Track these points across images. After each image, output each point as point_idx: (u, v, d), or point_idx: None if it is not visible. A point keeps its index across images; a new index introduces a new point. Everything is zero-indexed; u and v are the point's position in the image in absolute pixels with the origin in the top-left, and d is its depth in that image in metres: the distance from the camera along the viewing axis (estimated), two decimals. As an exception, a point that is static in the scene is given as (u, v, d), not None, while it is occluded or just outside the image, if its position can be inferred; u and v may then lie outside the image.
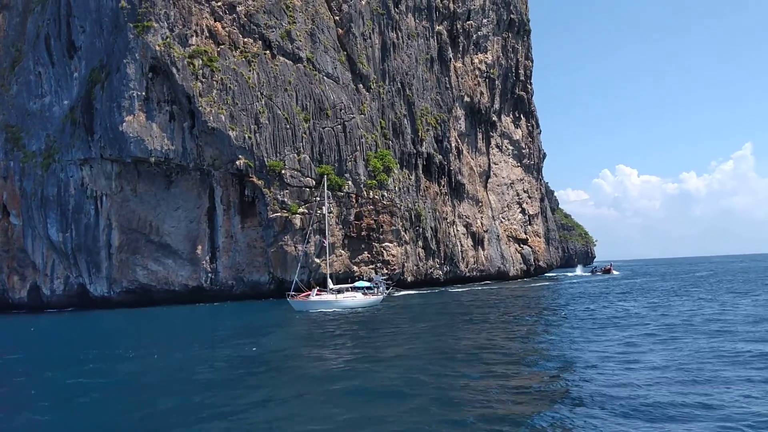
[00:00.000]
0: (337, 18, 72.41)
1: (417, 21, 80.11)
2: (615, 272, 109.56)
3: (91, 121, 60.87)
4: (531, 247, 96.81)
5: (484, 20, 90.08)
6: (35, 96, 67.86)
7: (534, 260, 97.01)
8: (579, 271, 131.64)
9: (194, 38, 61.13)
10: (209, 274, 61.29)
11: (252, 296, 61.63)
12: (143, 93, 58.95)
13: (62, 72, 65.92)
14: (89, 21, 63.80)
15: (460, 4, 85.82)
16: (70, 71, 65.40)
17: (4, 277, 68.91)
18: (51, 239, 63.70)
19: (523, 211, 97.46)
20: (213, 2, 63.02)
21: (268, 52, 64.90)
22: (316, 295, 46.68)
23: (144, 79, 59.09)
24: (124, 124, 58.08)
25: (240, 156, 60.48)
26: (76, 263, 62.85)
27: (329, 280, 49.67)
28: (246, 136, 60.74)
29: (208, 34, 62.38)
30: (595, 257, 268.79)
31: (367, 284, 53.09)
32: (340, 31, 72.14)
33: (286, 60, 65.83)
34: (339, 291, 48.62)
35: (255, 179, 60.95)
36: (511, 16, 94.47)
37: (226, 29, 63.42)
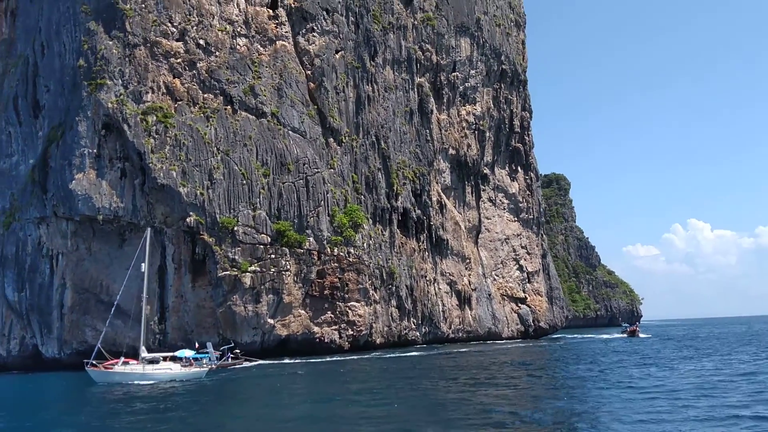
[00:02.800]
0: (308, 72, 71.35)
1: (396, 73, 78.53)
2: (642, 335, 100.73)
3: (45, 179, 60.41)
4: (530, 307, 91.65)
5: (472, 71, 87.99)
6: (5, 155, 68.14)
7: (533, 320, 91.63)
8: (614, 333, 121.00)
9: (150, 95, 60.53)
10: (157, 336, 58.89)
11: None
12: (95, 150, 58.24)
13: (29, 131, 66.13)
14: (53, 80, 64.13)
15: (444, 56, 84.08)
16: (35, 130, 65.54)
17: (-31, 337, 68.08)
18: (7, 299, 62.72)
19: (520, 268, 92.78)
20: (172, 59, 62.61)
21: (229, 107, 63.87)
22: (122, 364, 41.51)
23: (96, 136, 58.48)
24: (73, 181, 57.28)
25: (191, 213, 58.73)
26: (30, 324, 61.49)
27: (142, 348, 43.76)
28: (198, 192, 59.13)
29: (165, 91, 61.77)
30: (641, 316, 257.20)
31: (190, 353, 47.32)
32: (312, 85, 70.96)
33: (249, 115, 64.66)
34: (152, 361, 42.94)
35: (206, 237, 58.97)
36: (503, 66, 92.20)
37: (185, 85, 62.78)
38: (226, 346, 54.93)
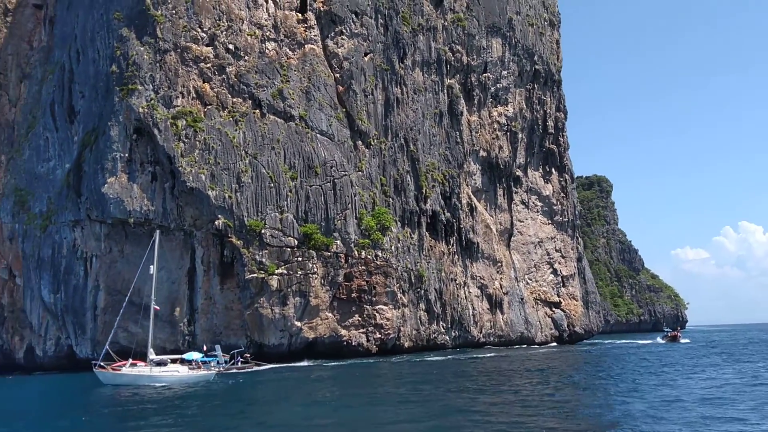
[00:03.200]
0: (337, 75, 71.41)
1: (425, 75, 78.02)
2: (684, 340, 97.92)
3: (79, 183, 61.80)
4: (564, 311, 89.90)
5: (504, 72, 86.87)
6: (43, 160, 69.97)
7: (568, 325, 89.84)
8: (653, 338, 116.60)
9: (179, 99, 61.35)
10: (186, 337, 59.53)
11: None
12: (126, 155, 59.27)
13: (64, 136, 67.76)
14: (88, 86, 65.59)
15: (474, 57, 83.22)
16: (71, 135, 67.13)
17: (9, 337, 70.06)
18: (44, 300, 64.28)
19: (554, 272, 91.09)
20: (202, 64, 63.35)
21: (257, 111, 64.32)
22: (130, 366, 41.49)
23: (128, 141, 59.51)
24: (106, 185, 58.39)
25: (219, 216, 59.27)
26: (65, 325, 62.87)
27: (150, 350, 43.80)
28: (226, 195, 59.62)
29: (195, 95, 62.54)
30: (686, 321, 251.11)
31: (199, 356, 47.21)
32: (341, 88, 70.99)
33: (277, 118, 64.99)
34: (160, 363, 42.96)
35: (234, 239, 59.40)
36: (536, 66, 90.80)
37: (215, 90, 63.46)
38: (235, 350, 55.12)
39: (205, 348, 53.65)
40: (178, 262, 61.06)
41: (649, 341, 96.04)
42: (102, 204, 58.65)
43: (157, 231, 50.62)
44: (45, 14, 78.15)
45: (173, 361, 44.32)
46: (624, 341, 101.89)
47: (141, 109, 59.37)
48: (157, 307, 46.61)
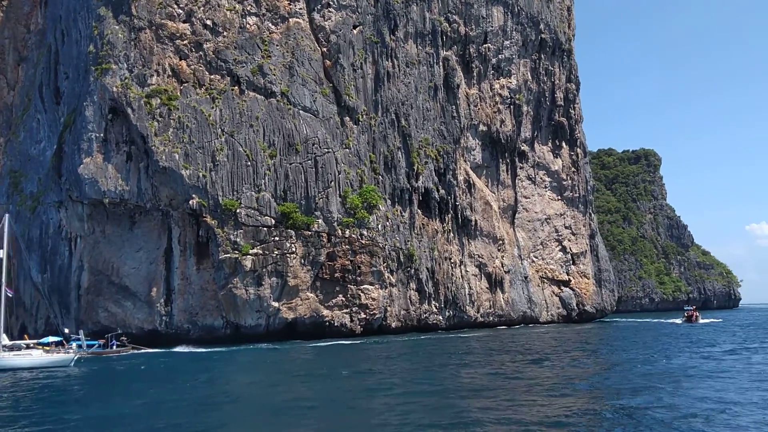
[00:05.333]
0: (324, 49, 69.46)
1: (419, 47, 75.22)
2: (706, 320, 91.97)
3: (60, 164, 62.01)
4: (574, 290, 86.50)
5: (506, 42, 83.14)
6: (35, 141, 70.63)
7: (577, 304, 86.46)
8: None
9: (154, 78, 60.54)
10: (164, 317, 59.32)
11: (209, 341, 58.69)
12: (101, 135, 58.92)
13: (52, 118, 68.11)
14: (72, 67, 65.51)
15: (473, 27, 79.77)
16: (57, 117, 67.41)
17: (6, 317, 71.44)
18: (33, 280, 65.15)
19: (563, 249, 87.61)
20: (178, 41, 62.33)
21: (236, 88, 63.03)
22: None
23: (103, 120, 59.12)
24: (81, 165, 58.27)
25: (194, 195, 58.49)
26: (51, 304, 63.59)
27: (2, 336, 42.07)
28: (200, 174, 58.76)
29: (170, 73, 61.60)
30: (740, 299, 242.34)
31: (56, 339, 46.05)
32: (328, 62, 69.05)
33: (257, 95, 63.60)
34: (12, 347, 41.51)
35: (209, 219, 58.60)
36: (542, 35, 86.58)
37: (192, 67, 62.40)
38: (110, 334, 54.31)
39: (66, 330, 53.00)
40: (156, 242, 60.74)
41: (670, 321, 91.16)
42: (79, 185, 58.61)
43: (6, 215, 48.18)
44: (39, -3, 78.40)
45: (27, 346, 43.50)
46: (641, 320, 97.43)
47: (115, 89, 58.82)
48: (11, 292, 45.13)
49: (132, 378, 34.68)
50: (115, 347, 53.73)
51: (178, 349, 54.20)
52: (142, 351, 53.30)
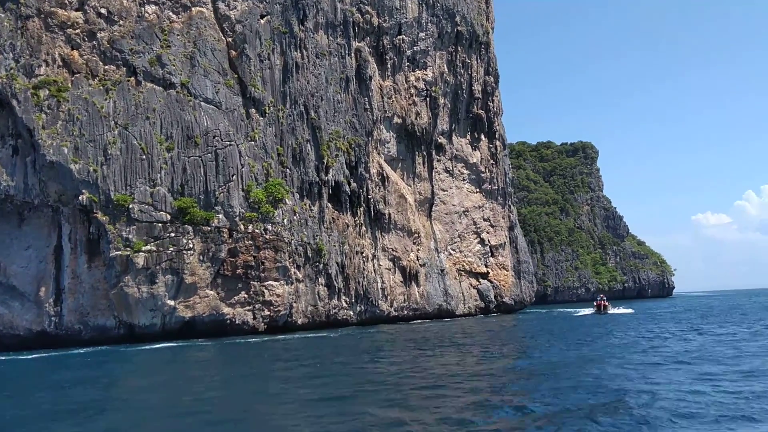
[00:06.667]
0: (229, 40, 67.65)
1: (330, 38, 74.06)
2: (617, 310, 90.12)
3: (-58, 159, 58.71)
4: (492, 282, 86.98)
5: (421, 34, 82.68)
6: None
7: (495, 296, 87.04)
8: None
9: (43, 68, 57.84)
10: (53, 318, 56.91)
11: (101, 342, 56.60)
12: (-14, 128, 56.06)
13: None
14: (-43, 56, 62.08)
15: (386, 18, 78.97)
16: (-56, 108, 63.88)
17: None
18: None
19: (482, 242, 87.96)
20: (69, 30, 59.66)
21: (132, 78, 60.79)
22: None
23: (-14, 113, 56.23)
24: (-37, 160, 55.32)
25: (84, 190, 56.16)
26: (-64, 306, 60.33)
27: None
28: (91, 168, 56.45)
29: (61, 63, 58.97)
30: (673, 287, 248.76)
31: None
32: (233, 53, 67.28)
33: (155, 86, 61.46)
34: None
35: (100, 215, 56.40)
36: (458, 28, 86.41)
37: (84, 57, 59.85)
38: None
39: None
40: (46, 239, 58.19)
41: (581, 311, 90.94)
42: (-40, 180, 55.59)
43: None
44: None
45: None
46: (559, 310, 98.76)
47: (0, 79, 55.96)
48: None
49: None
50: None
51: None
52: None
